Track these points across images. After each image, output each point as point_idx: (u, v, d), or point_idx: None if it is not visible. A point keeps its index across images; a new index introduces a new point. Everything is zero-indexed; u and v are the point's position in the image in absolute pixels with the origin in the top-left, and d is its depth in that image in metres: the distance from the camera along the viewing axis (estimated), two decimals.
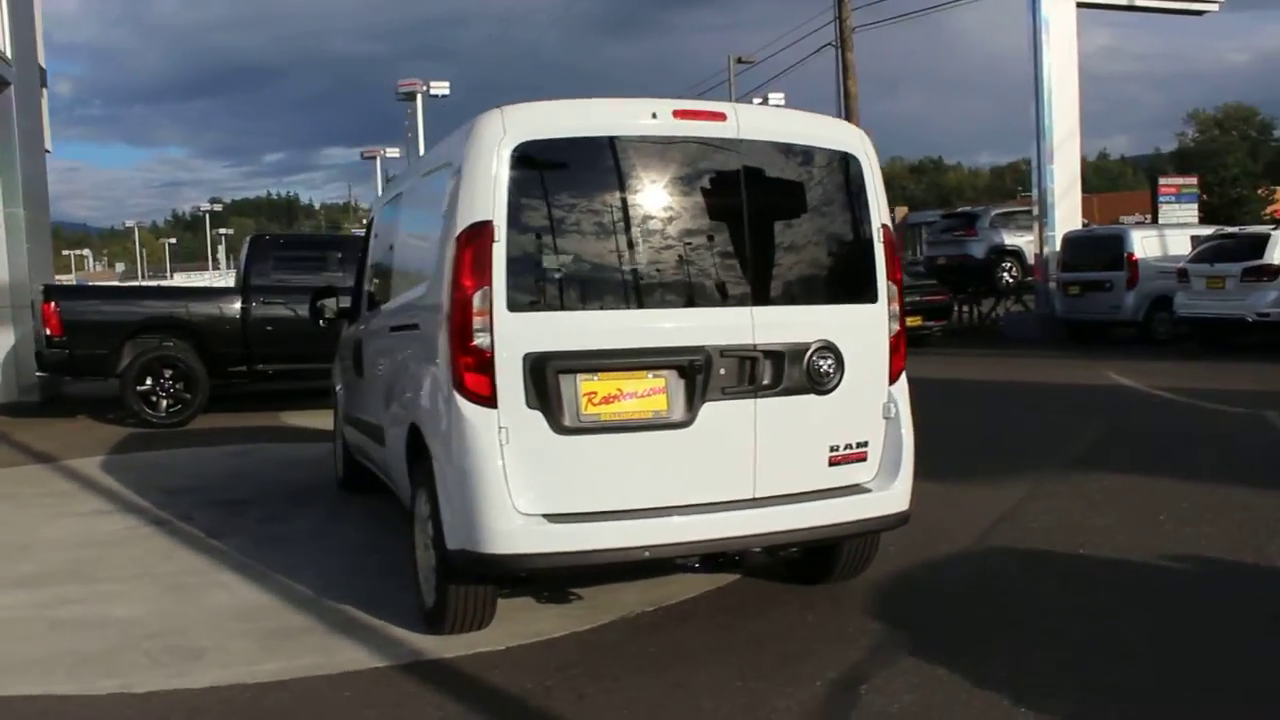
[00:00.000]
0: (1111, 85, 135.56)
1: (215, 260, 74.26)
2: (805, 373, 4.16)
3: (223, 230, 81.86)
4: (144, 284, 33.66)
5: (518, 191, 3.86)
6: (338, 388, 7.20)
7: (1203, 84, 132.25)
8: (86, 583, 5.25)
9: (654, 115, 4.07)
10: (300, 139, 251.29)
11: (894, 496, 4.34)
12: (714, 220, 4.17)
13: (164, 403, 10.96)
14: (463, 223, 3.87)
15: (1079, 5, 19.02)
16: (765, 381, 4.10)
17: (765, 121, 4.24)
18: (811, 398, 4.19)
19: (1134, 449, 8.14)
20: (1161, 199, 26.76)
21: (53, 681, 3.94)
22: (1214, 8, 19.43)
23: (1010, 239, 20.41)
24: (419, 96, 34.75)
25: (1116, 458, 7.74)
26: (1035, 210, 19.55)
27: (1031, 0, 18.99)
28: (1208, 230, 17.25)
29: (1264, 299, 14.21)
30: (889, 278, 4.40)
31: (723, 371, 4.03)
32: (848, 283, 4.37)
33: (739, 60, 42.33)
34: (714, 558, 4.16)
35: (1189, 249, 16.18)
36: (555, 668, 3.99)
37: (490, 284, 3.82)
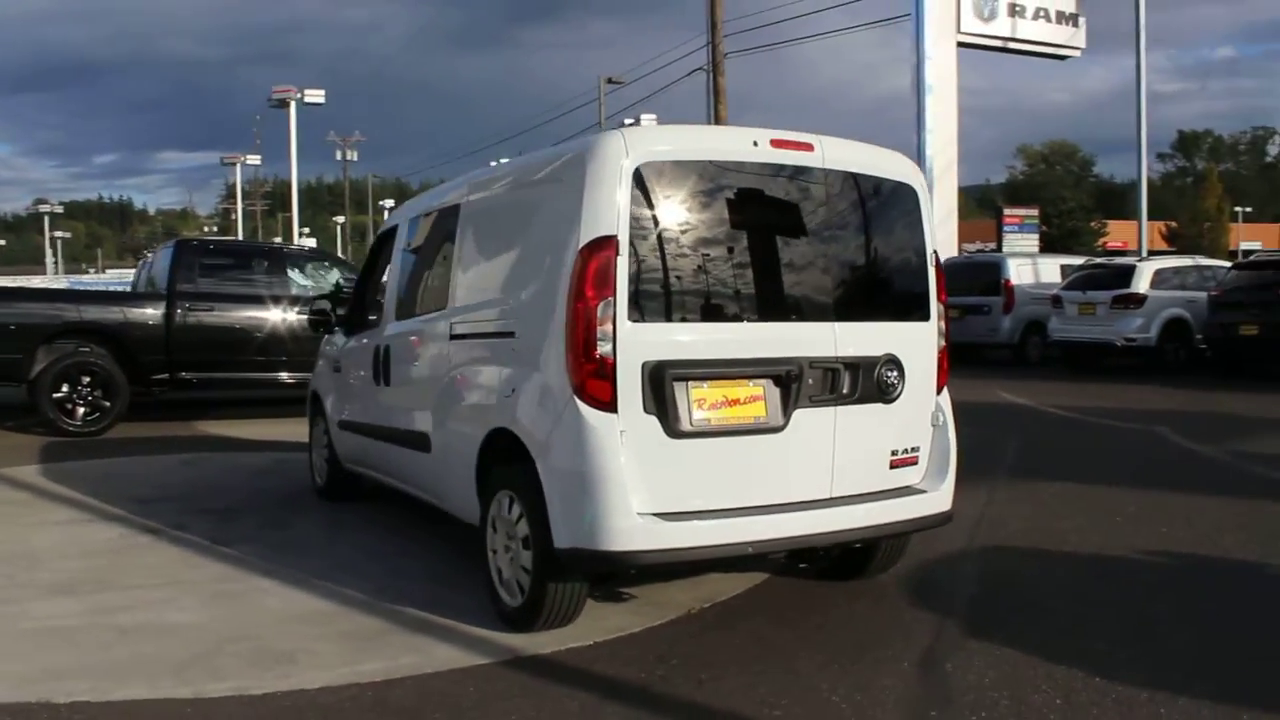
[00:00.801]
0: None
1: (50, 264, 69.77)
2: (875, 383, 4.53)
3: (58, 234, 76.91)
4: (59, 287, 31.38)
5: (636, 209, 4.09)
6: (326, 399, 7.14)
7: (1029, 120, 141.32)
8: (122, 590, 5.11)
9: (755, 143, 4.37)
10: (134, 141, 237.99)
11: (942, 497, 4.75)
12: (802, 241, 4.51)
13: (80, 410, 10.48)
14: (586, 236, 4.07)
15: (960, 45, 20.26)
16: (844, 391, 4.45)
17: (843, 153, 4.60)
18: (879, 406, 4.56)
19: (1058, 460, 8.87)
20: (1005, 229, 28.73)
21: (163, 686, 3.88)
22: (1076, 54, 21.07)
23: None
24: (293, 104, 33.84)
25: (1048, 468, 8.43)
26: None
27: (916, 37, 20.09)
28: (1078, 260, 18.69)
29: (1130, 325, 15.57)
30: (938, 299, 4.83)
31: (811, 381, 4.36)
32: (907, 302, 4.76)
33: (609, 80, 43.01)
34: (798, 553, 4.47)
35: (1059, 277, 17.51)
36: (655, 658, 4.20)
37: (613, 295, 4.03)
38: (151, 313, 10.89)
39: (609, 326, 4.03)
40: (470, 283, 5.04)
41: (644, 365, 4.07)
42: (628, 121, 45.59)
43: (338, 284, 11.63)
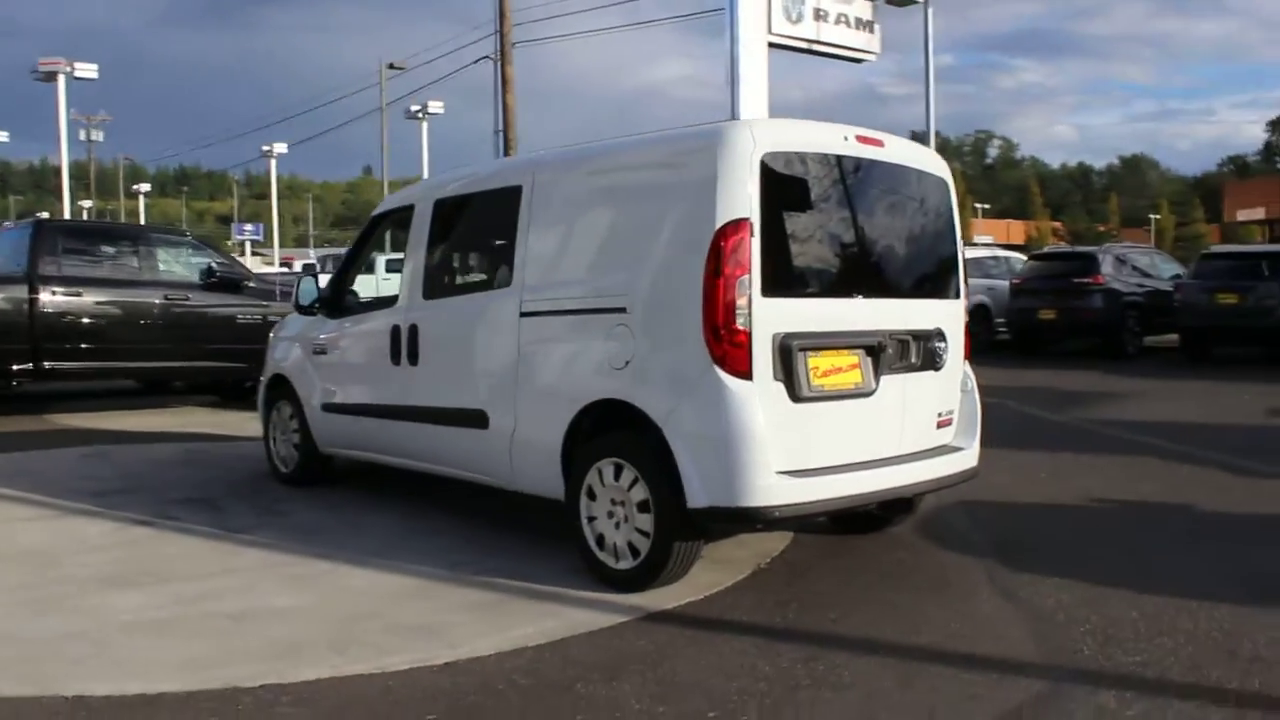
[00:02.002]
0: (695, 112, 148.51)
1: None
2: (930, 353, 5.11)
3: None
4: None
5: (762, 194, 4.45)
6: (300, 384, 6.95)
7: (772, 115, 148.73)
8: (185, 581, 4.90)
9: (845, 138, 4.83)
10: None
11: (973, 454, 5.40)
12: (878, 226, 5.03)
13: None
14: (723, 218, 4.38)
15: (770, 45, 21.39)
16: (912, 360, 5.00)
17: (901, 149, 5.13)
18: (931, 373, 5.15)
19: None
20: None
21: (334, 663, 3.86)
22: (872, 58, 22.76)
23: None
24: (62, 77, 30.81)
25: None
26: None
27: (730, 36, 21.02)
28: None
29: None
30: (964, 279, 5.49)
31: (890, 351, 4.87)
32: (946, 281, 5.36)
33: (390, 66, 42.02)
34: (889, 503, 4.98)
35: None
36: (773, 604, 4.60)
37: (748, 273, 4.37)
38: (12, 296, 9.97)
39: (746, 302, 4.37)
40: (548, 262, 5.18)
41: (774, 337, 4.44)
42: (414, 108, 44.73)
43: (209, 267, 11.09)
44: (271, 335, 7.71)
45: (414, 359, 5.90)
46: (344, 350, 6.64)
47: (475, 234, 5.93)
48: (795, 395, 4.50)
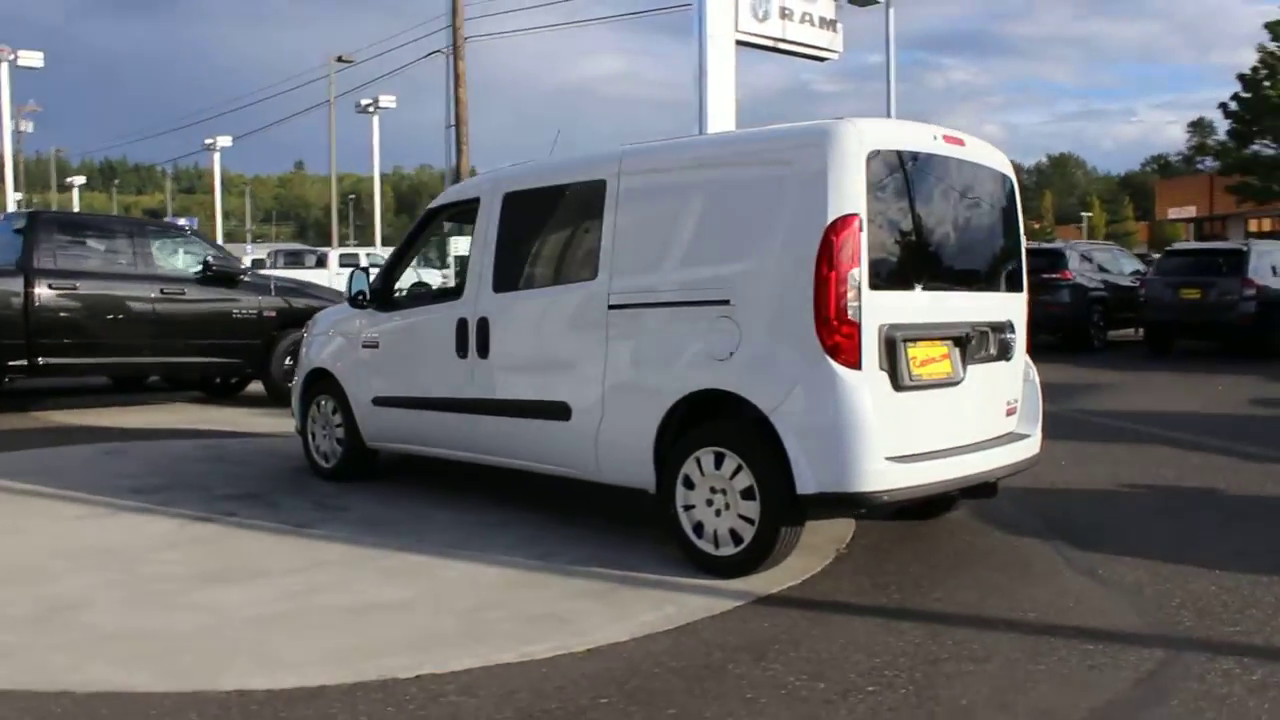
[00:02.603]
0: (628, 108, 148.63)
1: None
2: (1002, 344, 5.31)
3: None
4: None
5: (868, 190, 4.59)
6: (347, 379, 6.91)
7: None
8: (285, 575, 4.88)
9: (934, 138, 5.00)
10: None
11: (1036, 441, 5.61)
12: (962, 221, 5.22)
13: None
14: (835, 213, 4.51)
15: (739, 43, 21.61)
16: (989, 350, 5.19)
17: (976, 148, 5.31)
18: (1003, 363, 5.35)
19: None
20: None
21: (481, 653, 3.89)
22: (835, 56, 23.12)
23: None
24: (4, 65, 29.74)
25: None
26: None
27: (698, 35, 21.18)
28: None
29: None
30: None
31: (973, 342, 5.06)
32: (1013, 275, 5.57)
33: (339, 59, 41.44)
34: (974, 488, 5.16)
35: None
36: (872, 586, 4.77)
37: (859, 266, 4.52)
38: (7, 290, 9.69)
39: (856, 295, 4.52)
40: (639, 256, 5.24)
41: (880, 329, 4.59)
42: (364, 101, 44.15)
43: (206, 261, 10.92)
44: (306, 331, 7.65)
45: (483, 352, 5.93)
46: (399, 343, 6.62)
47: (552, 227, 5.96)
48: (897, 384, 4.66)
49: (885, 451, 4.57)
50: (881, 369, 4.61)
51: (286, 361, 11.11)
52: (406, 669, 3.74)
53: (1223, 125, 29.79)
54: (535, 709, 3.44)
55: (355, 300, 6.77)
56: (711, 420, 4.97)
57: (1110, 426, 9.54)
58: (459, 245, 24.60)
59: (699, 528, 4.93)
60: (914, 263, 4.95)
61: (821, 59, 24.07)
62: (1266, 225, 34.96)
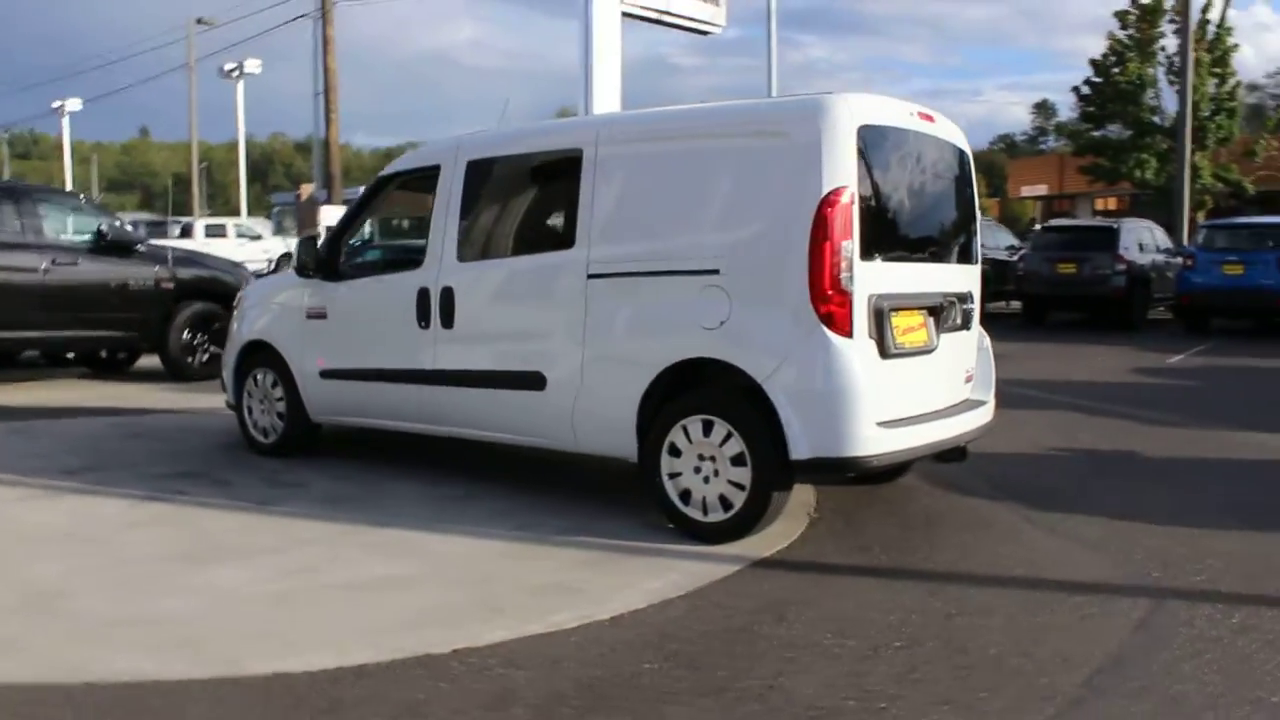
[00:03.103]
0: (482, 78, 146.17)
1: None
2: (964, 314, 5.55)
3: None
4: None
5: (858, 164, 4.72)
6: (290, 351, 6.67)
7: (560, 84, 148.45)
8: (268, 555, 4.72)
9: (911, 114, 5.17)
10: None
11: (991, 407, 5.89)
12: (933, 195, 5.42)
13: None
14: (829, 185, 4.62)
15: (624, 15, 21.54)
16: (956, 320, 5.43)
17: (943, 124, 5.50)
18: (964, 332, 5.60)
19: None
20: None
21: (504, 625, 3.87)
22: (718, 30, 23.33)
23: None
24: None
25: None
26: None
27: (585, 6, 21.02)
28: None
29: None
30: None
31: (944, 312, 5.28)
32: (969, 247, 5.80)
33: (199, 21, 39.42)
34: (947, 452, 5.37)
35: None
36: (857, 548, 4.95)
37: (851, 237, 4.64)
38: None
39: (849, 265, 4.65)
40: (621, 225, 5.23)
41: (869, 298, 4.74)
42: (228, 66, 41.98)
43: (99, 229, 10.32)
44: (239, 302, 7.34)
45: (447, 322, 5.82)
46: (351, 314, 6.43)
47: (521, 196, 5.89)
48: (884, 352, 4.82)
49: (875, 417, 4.74)
50: (870, 337, 4.76)
51: (184, 335, 10.67)
52: (440, 644, 3.70)
53: (1064, 108, 31.28)
54: (587, 677, 3.46)
55: (302, 269, 6.54)
56: (698, 388, 5.04)
57: (1018, 394, 9.93)
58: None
59: (685, 495, 5.00)
60: (895, 235, 5.12)
61: (705, 32, 24.19)
62: (1113, 204, 37.22)
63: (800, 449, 4.69)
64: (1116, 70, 30.19)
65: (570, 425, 5.41)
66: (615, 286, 5.24)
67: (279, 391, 6.80)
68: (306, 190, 59.11)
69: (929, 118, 5.34)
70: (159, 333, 10.60)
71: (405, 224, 21.23)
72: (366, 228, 6.74)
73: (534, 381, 5.49)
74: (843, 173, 4.67)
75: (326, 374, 6.51)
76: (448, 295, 5.81)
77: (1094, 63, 30.99)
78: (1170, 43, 29.33)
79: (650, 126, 5.44)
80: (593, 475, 6.21)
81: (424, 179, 6.16)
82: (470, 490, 5.95)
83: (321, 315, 6.56)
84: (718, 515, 4.94)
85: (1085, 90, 31.07)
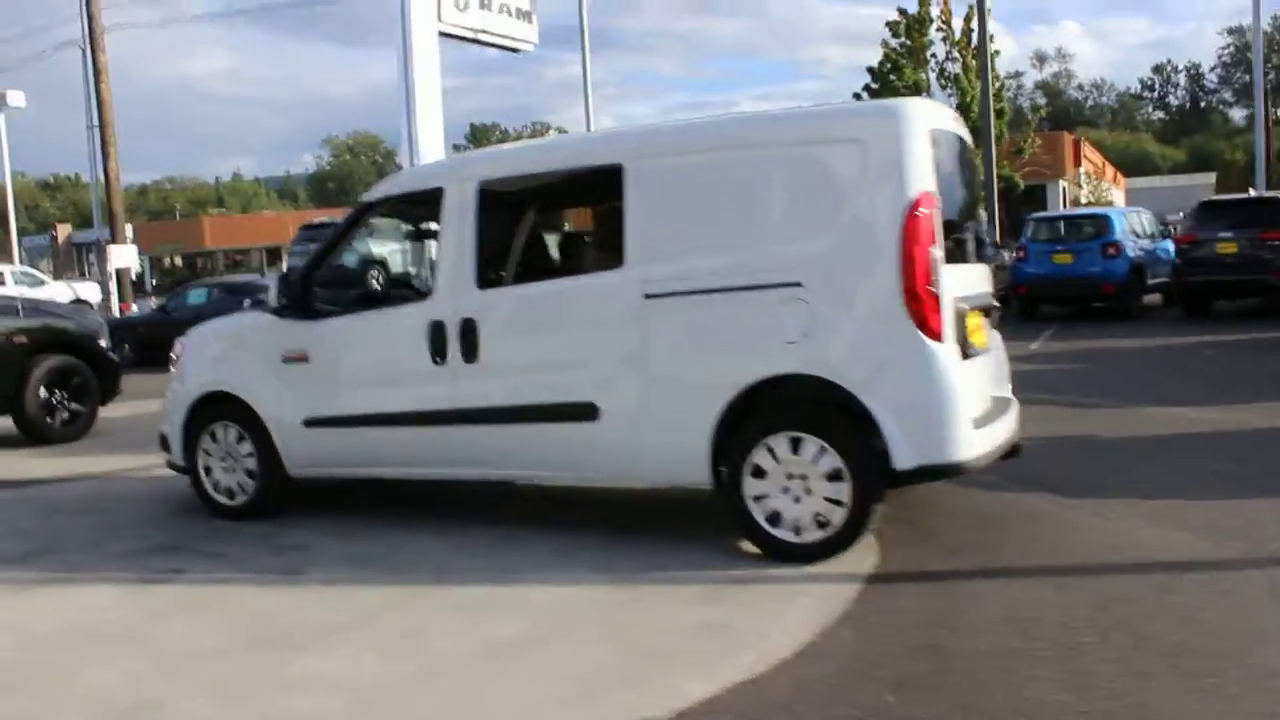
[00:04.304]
0: (234, 107, 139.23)
1: None
2: (995, 313, 5.66)
3: None
4: None
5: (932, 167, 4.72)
6: (261, 399, 5.98)
7: (319, 111, 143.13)
8: (349, 631, 4.18)
9: (952, 116, 5.21)
10: None
11: (1017, 404, 6.03)
12: (970, 194, 5.49)
13: None
14: (915, 190, 4.58)
15: (442, 34, 21.00)
16: (993, 320, 5.52)
17: (959, 121, 5.60)
18: (995, 332, 5.70)
19: None
20: None
21: (700, 676, 3.60)
22: (529, 47, 23.11)
23: (376, 247, 21.74)
24: None
25: None
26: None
27: (402, 27, 20.36)
28: None
29: None
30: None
31: (991, 313, 5.37)
32: (981, 244, 5.93)
33: None
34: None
35: None
36: (947, 552, 4.93)
37: (936, 242, 4.63)
38: None
39: (938, 269, 4.63)
40: (678, 242, 4.97)
41: (953, 300, 4.74)
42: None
43: None
44: (182, 351, 6.50)
45: (470, 355, 5.36)
46: (340, 354, 5.81)
47: (552, 216, 5.52)
48: (965, 354, 4.83)
49: (970, 419, 4.74)
50: (955, 340, 4.76)
51: (41, 393, 9.46)
52: (652, 706, 3.38)
53: None
54: (837, 717, 3.24)
55: (283, 309, 5.87)
56: (782, 405, 4.88)
57: None
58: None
59: (774, 517, 4.84)
60: (959, 237, 5.14)
61: (518, 50, 23.92)
62: None
63: (904, 458, 4.62)
64: (893, 77, 32.21)
65: (628, 456, 5.11)
66: (678, 305, 4.99)
67: (246, 446, 6.07)
68: (63, 231, 54.38)
69: (959, 120, 5.42)
70: (13, 392, 9.35)
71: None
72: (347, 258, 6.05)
73: (583, 412, 5.15)
74: (925, 177, 4.65)
75: (312, 422, 5.87)
76: (469, 327, 5.36)
77: (871, 70, 32.95)
78: (939, 50, 31.69)
79: (700, 136, 5.22)
80: (611, 505, 5.93)
81: (418, 203, 5.68)
82: (503, 535, 5.49)
83: (301, 358, 5.91)
84: (813, 535, 4.78)
85: (866, 97, 32.94)
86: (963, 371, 4.75)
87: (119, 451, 8.68)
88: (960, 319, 4.79)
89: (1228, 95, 75.69)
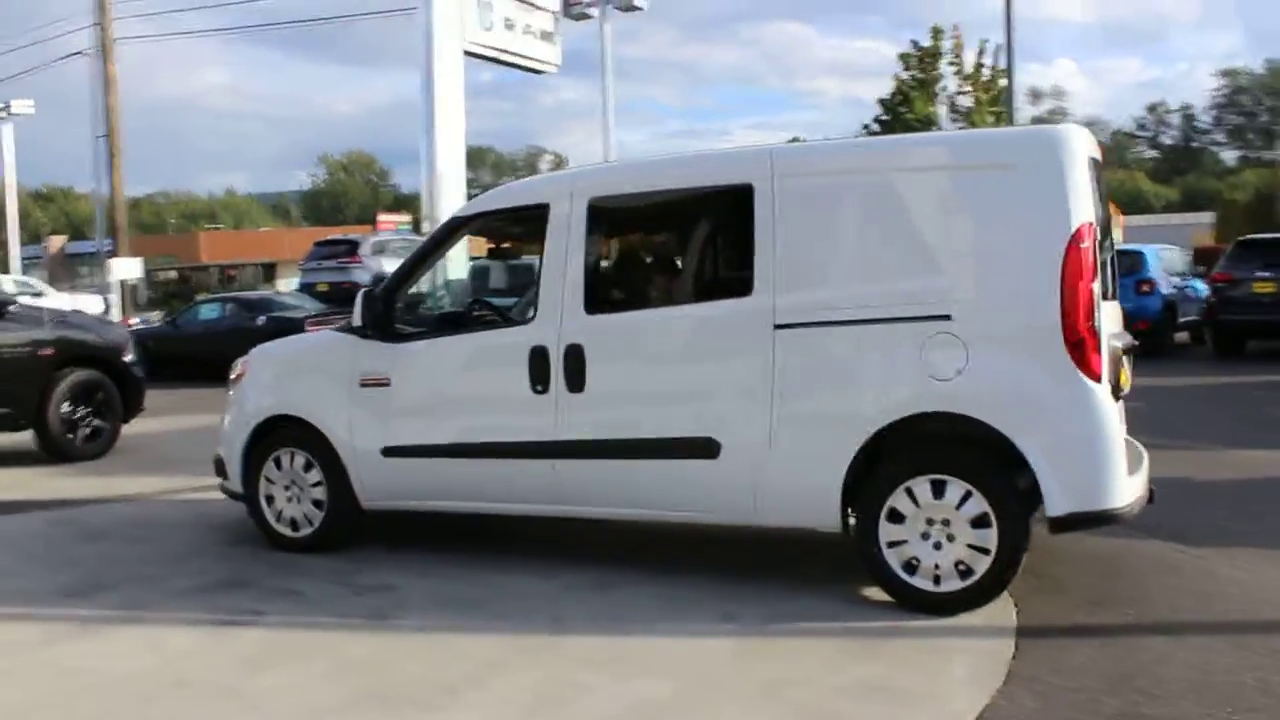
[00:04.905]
0: (232, 122, 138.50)
1: None
2: None
3: None
4: None
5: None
6: (334, 425, 5.59)
7: (316, 129, 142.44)
8: (470, 689, 3.80)
9: (1096, 142, 4.90)
10: None
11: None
12: (1103, 227, 5.16)
13: None
14: (1077, 221, 4.29)
15: (467, 54, 20.78)
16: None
17: None
18: None
19: None
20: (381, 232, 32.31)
21: None
22: (553, 69, 22.93)
23: (388, 265, 21.42)
24: None
25: None
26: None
27: (426, 43, 20.15)
28: None
29: None
30: None
31: (1129, 353, 5.02)
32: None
33: None
34: None
35: None
36: (1088, 604, 4.58)
37: (1096, 276, 4.32)
38: None
39: (1099, 305, 4.32)
40: (814, 269, 4.64)
41: (1108, 338, 4.43)
42: None
43: None
44: (243, 371, 6.11)
45: (576, 385, 5.01)
46: (427, 380, 5.44)
47: (670, 238, 5.18)
48: (1115, 393, 4.52)
49: (1124, 464, 4.42)
50: (1110, 380, 4.45)
51: (64, 408, 9.03)
52: None
53: None
54: None
55: (365, 329, 5.49)
56: (918, 446, 4.55)
57: None
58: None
59: (909, 564, 4.49)
60: (1101, 271, 4.83)
61: (540, 71, 23.80)
62: None
63: (1058, 505, 4.29)
64: (904, 109, 32.17)
65: (751, 495, 4.75)
66: (812, 337, 4.65)
67: (314, 475, 5.68)
68: (56, 242, 53.64)
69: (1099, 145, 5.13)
70: (37, 406, 8.92)
71: None
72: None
73: (703, 448, 4.79)
74: (1086, 208, 4.35)
75: (391, 451, 5.49)
76: (575, 354, 5.01)
77: (882, 102, 32.90)
78: (951, 84, 31.69)
79: (839, 158, 4.90)
80: (715, 543, 5.56)
81: (519, 220, 5.34)
82: (603, 578, 5.07)
83: (383, 382, 5.54)
84: (954, 584, 4.44)
85: (876, 128, 32.88)
86: (1118, 414, 4.44)
87: (145, 471, 8.29)
88: (1116, 359, 4.48)
89: (1219, 136, 76.37)
